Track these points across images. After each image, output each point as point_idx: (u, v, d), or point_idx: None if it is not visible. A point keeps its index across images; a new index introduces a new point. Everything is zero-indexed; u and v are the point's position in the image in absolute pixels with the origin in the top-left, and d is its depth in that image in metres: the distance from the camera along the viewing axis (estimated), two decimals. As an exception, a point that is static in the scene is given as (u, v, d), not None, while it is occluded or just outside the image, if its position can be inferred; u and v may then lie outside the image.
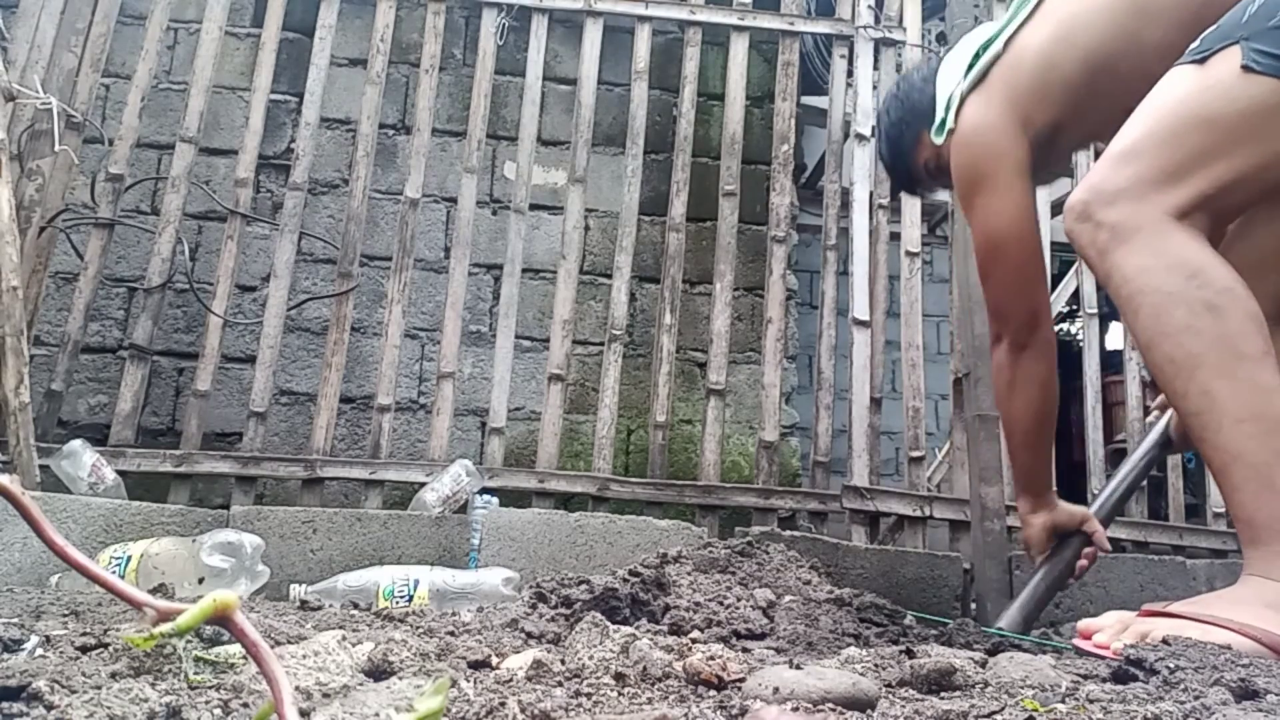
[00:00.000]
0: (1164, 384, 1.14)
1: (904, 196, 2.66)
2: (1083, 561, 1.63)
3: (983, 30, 1.59)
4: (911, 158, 1.71)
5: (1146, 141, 1.17)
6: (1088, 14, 1.40)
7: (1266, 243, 1.38)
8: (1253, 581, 1.08)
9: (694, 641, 1.05)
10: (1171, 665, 0.83)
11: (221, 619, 0.46)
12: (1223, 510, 2.71)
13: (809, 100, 3.58)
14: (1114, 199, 1.16)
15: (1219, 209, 1.15)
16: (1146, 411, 2.91)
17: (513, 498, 2.35)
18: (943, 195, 2.64)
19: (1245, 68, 1.11)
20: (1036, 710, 0.73)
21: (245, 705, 0.69)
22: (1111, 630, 1.09)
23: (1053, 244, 2.77)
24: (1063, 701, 0.77)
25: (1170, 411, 1.73)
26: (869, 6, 2.77)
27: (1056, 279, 2.84)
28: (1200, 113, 1.14)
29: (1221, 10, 1.20)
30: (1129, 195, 1.15)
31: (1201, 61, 1.16)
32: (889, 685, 0.88)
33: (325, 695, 0.72)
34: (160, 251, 2.46)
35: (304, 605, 1.56)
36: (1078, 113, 1.47)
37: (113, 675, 0.76)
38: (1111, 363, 3.32)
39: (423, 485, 2.27)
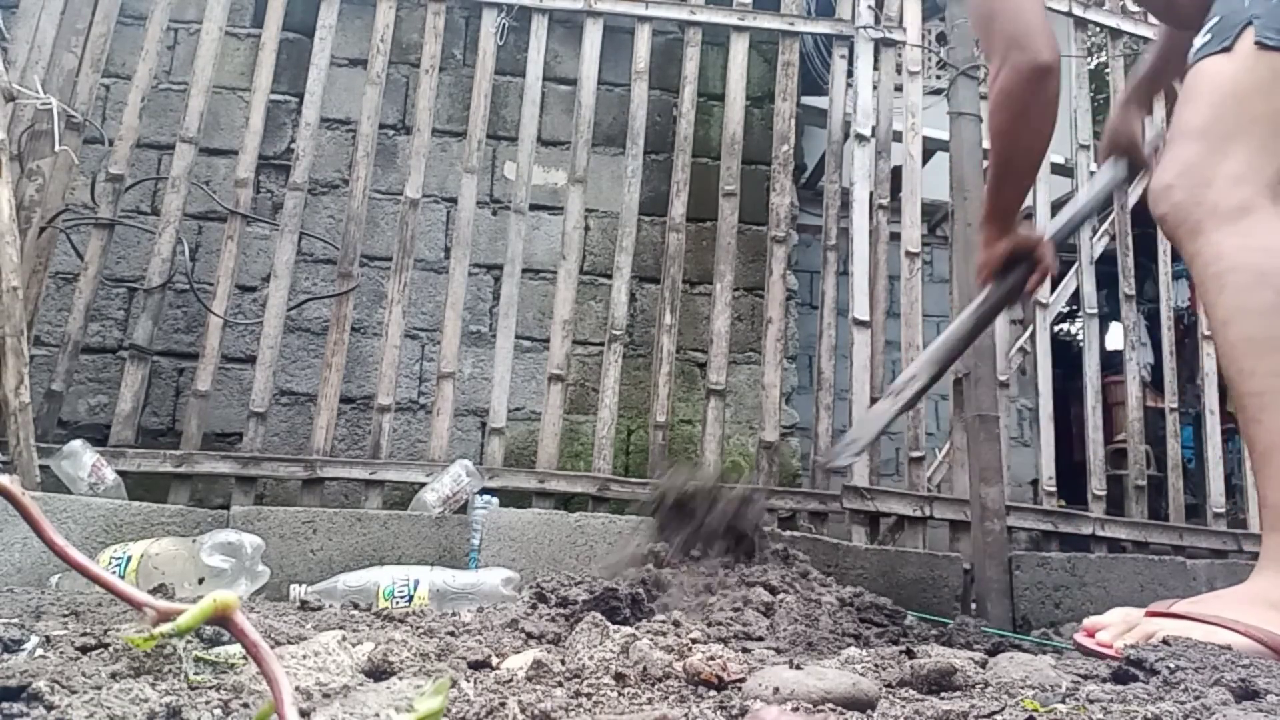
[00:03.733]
0: (1231, 360, 1.15)
1: (904, 197, 2.66)
2: (1030, 286, 1.61)
3: None
4: None
5: (1220, 119, 1.20)
6: None
7: None
8: (1263, 578, 1.08)
9: (694, 641, 1.05)
10: (1172, 665, 0.83)
11: (221, 619, 0.46)
12: (1223, 510, 2.71)
13: (809, 100, 3.58)
14: (1209, 180, 1.18)
15: None
16: (1147, 412, 2.92)
17: (513, 498, 2.35)
18: (926, 193, 2.63)
19: (1259, 44, 1.16)
20: (1036, 710, 0.73)
21: (245, 705, 0.69)
22: (1115, 629, 1.09)
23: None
24: (1063, 701, 0.77)
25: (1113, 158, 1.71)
26: (869, 6, 2.77)
27: (1056, 279, 2.84)
28: (1255, 88, 1.18)
29: None
30: (1225, 176, 1.17)
31: (1229, 49, 1.20)
32: (889, 685, 0.88)
33: (325, 695, 0.72)
34: (160, 251, 2.46)
35: (304, 605, 1.56)
36: None
37: (113, 675, 0.76)
38: (1111, 363, 3.32)
39: (423, 485, 2.27)
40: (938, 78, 4.71)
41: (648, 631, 1.14)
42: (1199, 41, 1.25)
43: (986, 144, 2.52)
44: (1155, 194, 1.24)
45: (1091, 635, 1.12)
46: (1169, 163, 1.24)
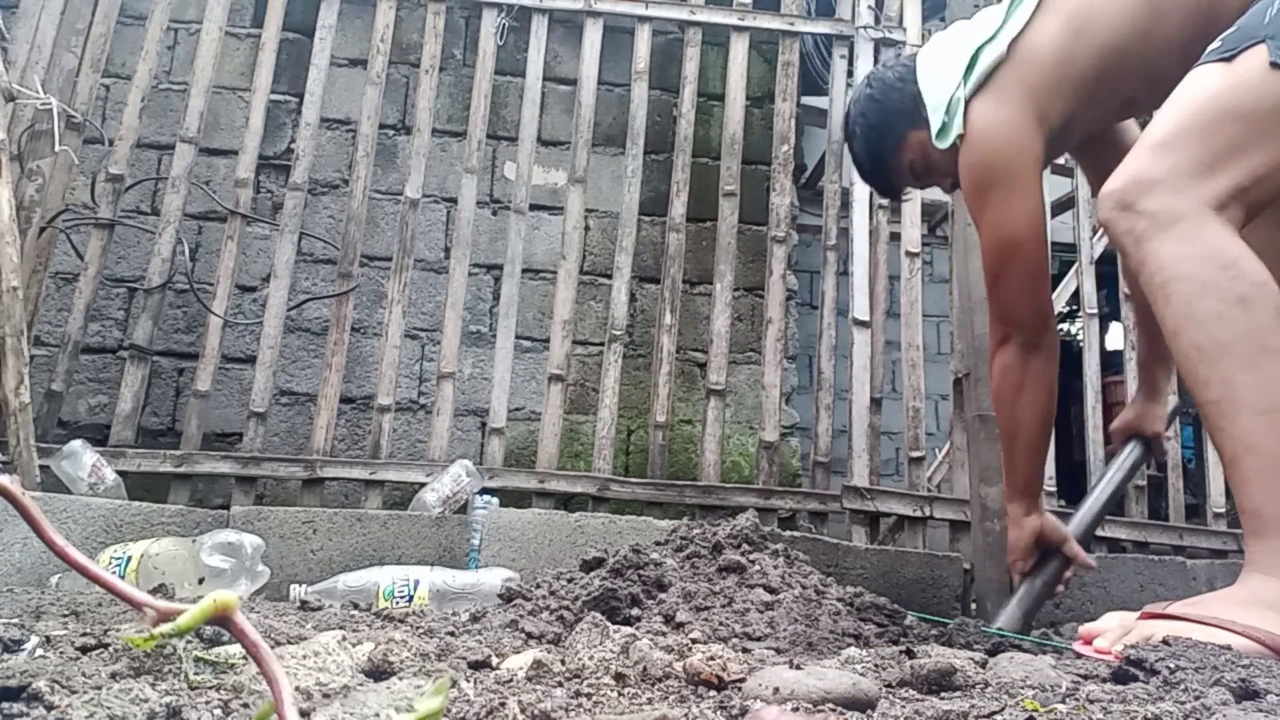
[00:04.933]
0: (1186, 371, 1.15)
1: (904, 197, 2.65)
2: (1062, 586, 1.65)
3: (965, 30, 1.58)
4: (894, 159, 1.68)
5: (1183, 134, 1.19)
6: (1102, 8, 1.43)
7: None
8: (1253, 580, 1.08)
9: (694, 641, 1.05)
10: (1172, 665, 0.83)
11: (221, 619, 0.46)
12: (1223, 510, 2.71)
13: (809, 100, 3.58)
14: (1152, 188, 1.17)
15: (1252, 201, 1.17)
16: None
17: (513, 498, 2.35)
18: (926, 194, 2.63)
19: (1273, 64, 1.14)
20: (1036, 710, 0.73)
21: (245, 705, 0.69)
22: (1112, 634, 1.09)
23: (1053, 244, 2.77)
24: (1063, 702, 0.77)
25: (1134, 443, 1.78)
26: (869, 6, 2.77)
27: (1056, 279, 2.84)
28: (1234, 107, 1.17)
29: (1230, 11, 1.24)
30: (1168, 185, 1.16)
31: (1229, 59, 1.19)
32: (889, 685, 0.88)
33: (325, 695, 0.72)
34: (160, 252, 2.46)
35: (304, 605, 1.56)
36: (1088, 104, 1.50)
37: (113, 675, 0.76)
38: (1111, 363, 3.33)
39: (423, 485, 2.27)
40: (938, 78, 4.70)
41: (648, 631, 1.14)
42: (1211, 46, 1.23)
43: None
44: (1101, 200, 1.24)
45: (1088, 643, 1.12)
46: (1119, 171, 1.23)
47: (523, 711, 0.69)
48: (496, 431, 2.46)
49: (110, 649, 0.90)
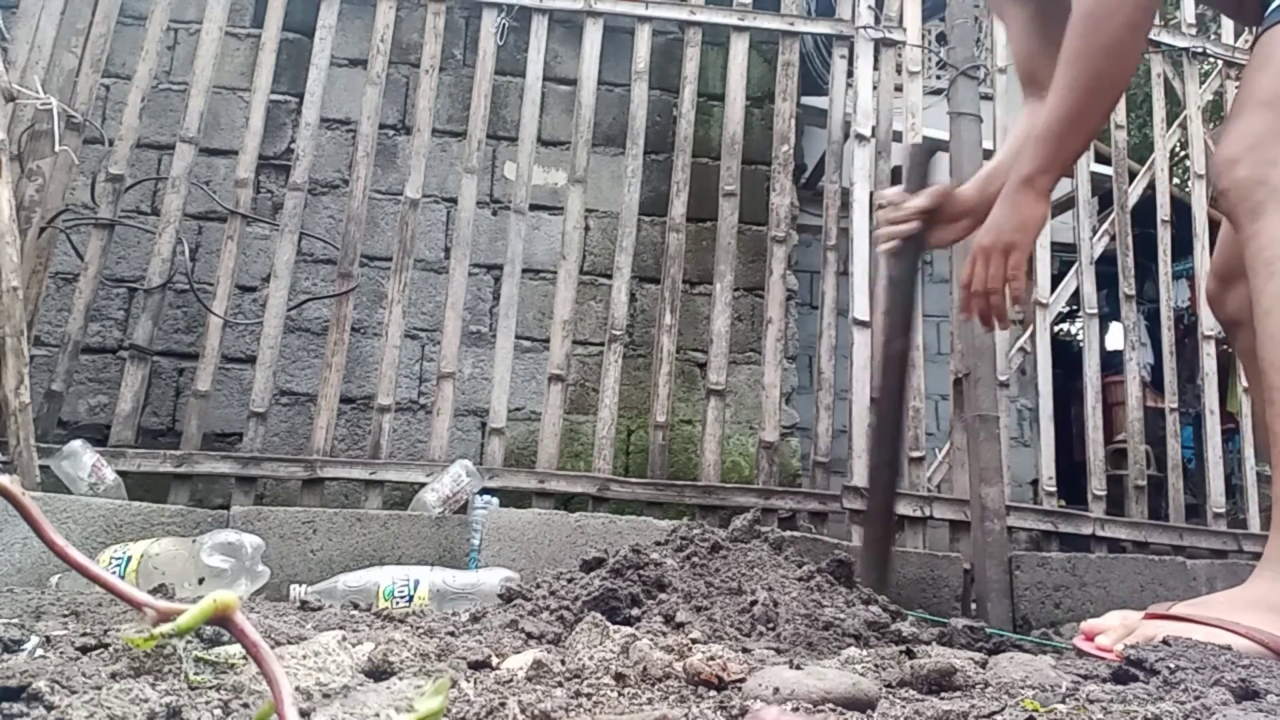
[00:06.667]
0: (1269, 352, 1.12)
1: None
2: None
3: None
4: None
5: None
6: None
7: None
8: (1263, 581, 1.08)
9: (694, 642, 1.05)
10: (1172, 666, 0.83)
11: (222, 619, 0.46)
12: (1223, 510, 2.71)
13: (809, 100, 3.58)
14: (1276, 158, 1.14)
15: None
16: (1147, 412, 2.91)
17: (513, 498, 2.35)
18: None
19: None
20: (1036, 710, 0.73)
21: (245, 705, 0.69)
22: (1115, 633, 1.09)
23: (1053, 244, 2.77)
24: (1063, 702, 0.78)
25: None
26: (869, 6, 2.77)
27: (1057, 279, 2.84)
28: None
29: None
30: None
31: None
32: (889, 685, 0.88)
33: (325, 695, 0.72)
34: (160, 252, 2.46)
35: (304, 605, 1.56)
36: None
37: (113, 675, 0.76)
38: (1111, 363, 3.33)
39: (423, 485, 2.27)
40: (938, 78, 4.71)
41: (648, 631, 1.14)
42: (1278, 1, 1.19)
43: (988, 144, 2.53)
44: (1219, 166, 1.19)
45: (1090, 639, 1.12)
46: (1236, 134, 1.18)
47: (523, 711, 0.69)
48: (496, 431, 2.46)
49: (110, 649, 0.90)
